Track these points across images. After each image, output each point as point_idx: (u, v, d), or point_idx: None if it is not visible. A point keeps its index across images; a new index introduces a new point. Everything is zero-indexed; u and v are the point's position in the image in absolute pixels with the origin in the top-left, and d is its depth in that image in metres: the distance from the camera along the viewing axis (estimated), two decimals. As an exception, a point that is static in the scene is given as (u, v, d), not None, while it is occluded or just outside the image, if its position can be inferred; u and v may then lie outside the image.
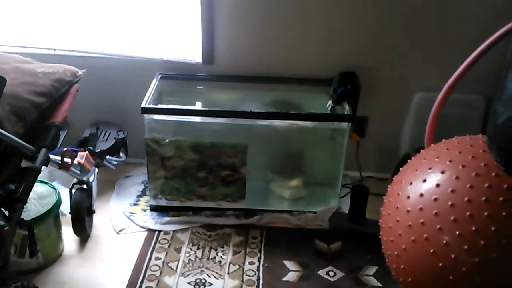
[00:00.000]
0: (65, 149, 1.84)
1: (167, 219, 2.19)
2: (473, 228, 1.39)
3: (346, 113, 2.10)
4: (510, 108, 1.17)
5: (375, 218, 2.10)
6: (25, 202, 1.58)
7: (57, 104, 1.74)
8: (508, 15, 2.12)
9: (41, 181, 1.99)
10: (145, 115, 2.07)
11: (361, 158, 2.43)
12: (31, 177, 1.59)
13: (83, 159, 1.96)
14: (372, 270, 1.95)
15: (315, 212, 2.23)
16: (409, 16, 2.21)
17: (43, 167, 1.66)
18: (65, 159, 1.83)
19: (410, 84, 2.34)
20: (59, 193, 1.95)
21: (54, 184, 2.14)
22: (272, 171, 2.32)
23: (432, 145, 1.72)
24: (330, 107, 2.19)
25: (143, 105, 2.07)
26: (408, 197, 1.55)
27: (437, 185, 1.48)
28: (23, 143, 1.55)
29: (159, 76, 2.32)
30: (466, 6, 2.18)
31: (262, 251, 2.03)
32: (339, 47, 2.29)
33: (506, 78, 1.19)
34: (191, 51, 2.34)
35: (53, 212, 1.89)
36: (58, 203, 1.92)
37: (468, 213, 1.40)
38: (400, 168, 1.77)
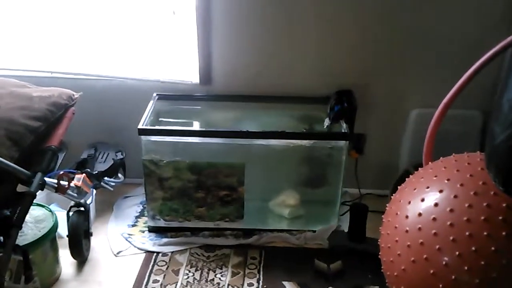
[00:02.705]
0: (61, 172, 1.83)
1: (165, 240, 2.18)
2: (473, 248, 1.37)
3: (343, 131, 2.10)
4: (507, 128, 1.16)
5: (374, 236, 2.09)
6: (20, 228, 1.57)
7: (53, 127, 1.74)
8: (499, 32, 2.15)
9: (38, 204, 1.98)
10: (142, 137, 2.07)
11: (360, 175, 2.42)
12: (26, 202, 1.58)
13: (80, 182, 1.94)
14: (373, 290, 1.93)
15: (314, 231, 2.21)
16: (404, 33, 2.22)
17: (41, 191, 1.65)
18: (62, 182, 1.82)
19: (406, 101, 2.34)
20: (56, 217, 1.94)
21: (52, 206, 2.14)
22: (270, 190, 2.30)
23: (430, 163, 1.71)
24: (327, 126, 2.18)
25: (140, 126, 2.06)
26: (407, 217, 1.53)
27: (436, 205, 1.47)
28: (18, 167, 1.55)
29: (156, 97, 2.33)
30: (458, 24, 2.19)
31: (261, 272, 2.01)
32: (335, 65, 2.30)
33: (501, 98, 1.19)
34: (188, 71, 2.35)
35: (50, 236, 1.87)
36: (55, 227, 1.90)
37: (467, 233, 1.38)
38: (399, 186, 1.76)
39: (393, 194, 1.72)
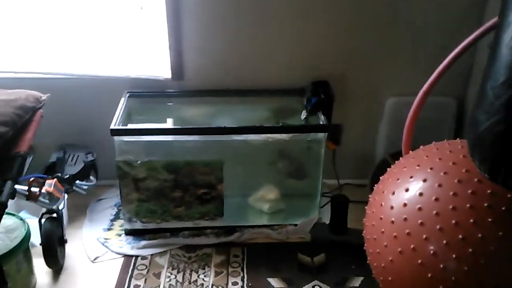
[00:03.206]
0: (32, 178, 1.74)
1: (143, 243, 2.11)
2: (460, 236, 1.37)
3: (321, 123, 2.08)
4: (492, 116, 1.15)
5: (356, 227, 2.10)
6: (-8, 240, 1.48)
7: (21, 132, 1.66)
8: (471, 19, 2.17)
9: (7, 213, 1.88)
10: (115, 137, 1.99)
11: (337, 166, 2.41)
12: (-3, 212, 1.49)
13: (52, 187, 1.87)
14: (358, 281, 1.92)
15: (295, 225, 2.19)
16: (378, 22, 2.21)
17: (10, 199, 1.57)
18: (32, 189, 1.74)
19: (382, 90, 2.34)
20: (28, 225, 1.85)
21: (22, 214, 2.04)
22: (249, 186, 2.26)
23: (410, 152, 1.70)
24: (304, 118, 2.15)
25: (112, 126, 1.99)
26: (392, 207, 1.53)
27: (420, 194, 1.46)
28: (-14, 177, 1.46)
29: (127, 94, 2.25)
30: (432, 12, 2.19)
31: (245, 270, 1.97)
32: (309, 56, 2.27)
33: (485, 86, 1.18)
34: (159, 67, 2.28)
35: (23, 246, 1.78)
36: (27, 236, 1.81)
37: (453, 221, 1.38)
38: (381, 177, 1.75)
39: (374, 184, 1.71)
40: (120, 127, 2.02)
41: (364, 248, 1.67)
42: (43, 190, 1.80)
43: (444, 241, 1.38)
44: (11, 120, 1.60)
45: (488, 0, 2.16)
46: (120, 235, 2.17)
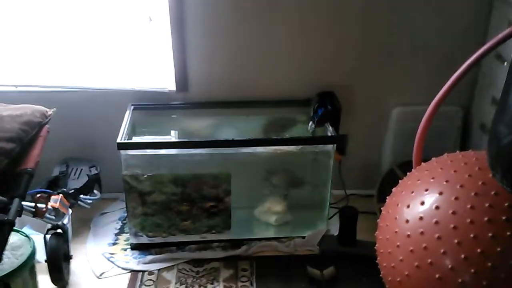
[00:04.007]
0: (38, 195, 1.71)
1: (150, 257, 2.08)
2: (479, 250, 1.36)
3: (329, 134, 2.06)
4: (514, 129, 1.14)
5: (362, 237, 2.08)
6: (1, 259, 1.44)
7: (28, 148, 1.62)
8: (474, 31, 2.18)
9: (12, 230, 1.84)
10: (121, 151, 1.96)
11: (343, 176, 2.40)
12: (5, 231, 1.47)
13: (58, 203, 1.83)
14: (369, 294, 1.90)
15: (303, 237, 2.16)
16: (383, 33, 2.21)
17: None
18: (39, 205, 1.71)
19: (387, 100, 2.33)
20: (33, 242, 1.81)
21: (25, 230, 2.00)
22: (255, 198, 2.24)
23: (423, 164, 1.69)
24: (311, 129, 2.14)
25: (118, 140, 1.96)
26: (407, 221, 1.51)
27: (437, 207, 1.45)
28: (-6, 195, 1.43)
29: (132, 107, 2.22)
30: (436, 25, 2.20)
31: (254, 284, 1.94)
32: (314, 66, 2.26)
33: (507, 98, 1.17)
34: (163, 79, 2.25)
35: (29, 263, 1.74)
36: (33, 253, 1.77)
37: (472, 235, 1.37)
38: (388, 187, 1.73)
39: (381, 194, 1.70)
40: (127, 141, 1.99)
41: (377, 261, 1.66)
42: (49, 206, 1.76)
43: (462, 256, 1.37)
44: (17, 136, 1.57)
45: (492, 14, 2.17)
46: (125, 250, 2.14)
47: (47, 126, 1.73)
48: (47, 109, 1.76)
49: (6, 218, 1.48)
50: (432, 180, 1.54)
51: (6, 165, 1.50)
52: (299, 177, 2.25)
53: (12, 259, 1.73)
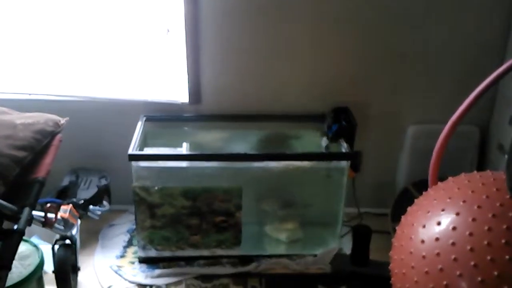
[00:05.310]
0: (48, 204, 1.70)
1: (158, 271, 2.05)
2: (495, 273, 1.31)
3: (344, 150, 2.03)
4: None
5: (375, 256, 2.04)
6: (10, 269, 1.42)
7: (40, 157, 1.61)
8: (493, 48, 2.15)
9: (20, 239, 1.83)
10: (133, 162, 1.94)
11: (356, 194, 2.36)
12: (15, 240, 1.44)
13: (67, 213, 1.82)
14: (381, 316, 1.85)
15: (315, 255, 2.12)
16: (398, 49, 2.19)
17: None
18: (49, 215, 1.69)
19: (403, 117, 2.30)
20: (42, 252, 1.79)
21: (33, 239, 1.99)
22: (267, 213, 2.21)
23: (439, 183, 1.65)
24: (325, 145, 2.11)
25: (130, 151, 1.94)
26: (423, 241, 1.47)
27: (454, 228, 1.40)
28: (4, 203, 1.42)
29: (144, 118, 2.21)
30: (455, 40, 2.17)
31: (264, 302, 1.91)
32: (329, 82, 2.24)
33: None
34: (176, 91, 2.25)
35: (37, 274, 1.73)
36: (41, 264, 1.76)
37: (489, 257, 1.33)
38: (404, 207, 1.69)
39: (395, 213, 1.66)
40: (138, 152, 1.98)
41: (390, 282, 1.61)
42: (58, 216, 1.75)
43: (479, 278, 1.32)
44: (29, 144, 1.56)
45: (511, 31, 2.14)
46: (133, 263, 2.11)
47: (59, 135, 1.72)
48: (60, 118, 1.75)
49: (16, 227, 1.46)
50: (449, 200, 1.50)
51: (17, 174, 1.49)
52: (308, 197, 2.22)
53: (20, 268, 1.72)
